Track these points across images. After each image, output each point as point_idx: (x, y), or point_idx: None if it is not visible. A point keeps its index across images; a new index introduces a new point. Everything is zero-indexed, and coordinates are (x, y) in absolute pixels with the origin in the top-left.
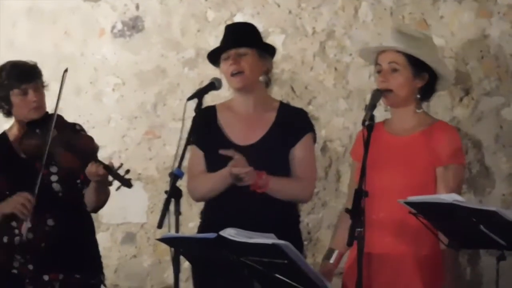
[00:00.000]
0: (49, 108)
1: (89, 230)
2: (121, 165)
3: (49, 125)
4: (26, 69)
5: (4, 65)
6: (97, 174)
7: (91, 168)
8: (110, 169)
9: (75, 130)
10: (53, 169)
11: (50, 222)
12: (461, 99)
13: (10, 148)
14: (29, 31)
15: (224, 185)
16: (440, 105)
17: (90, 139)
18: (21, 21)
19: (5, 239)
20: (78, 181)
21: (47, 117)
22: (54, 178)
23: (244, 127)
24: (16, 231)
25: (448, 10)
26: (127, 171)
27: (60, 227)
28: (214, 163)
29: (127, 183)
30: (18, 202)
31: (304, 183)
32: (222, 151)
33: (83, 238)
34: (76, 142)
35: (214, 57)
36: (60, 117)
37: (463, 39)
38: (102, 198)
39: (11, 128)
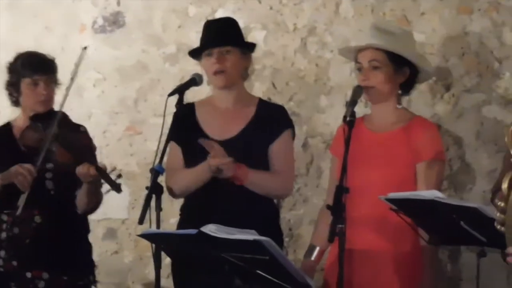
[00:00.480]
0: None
1: (80, 231)
2: (114, 168)
3: (51, 121)
4: (42, 61)
5: (23, 53)
6: (88, 175)
7: (82, 169)
8: (101, 171)
9: (77, 131)
10: (49, 165)
11: (37, 219)
12: (442, 96)
13: (12, 139)
14: (10, 26)
15: (203, 179)
16: (421, 101)
17: (88, 139)
18: (1, 16)
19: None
20: (73, 181)
21: (52, 113)
22: (48, 175)
23: (222, 122)
24: (4, 225)
25: (429, 6)
26: (119, 176)
27: (47, 225)
28: (192, 159)
29: (116, 188)
30: (19, 173)
31: (283, 178)
32: (200, 141)
33: (71, 239)
34: (72, 139)
35: (196, 51)
36: (64, 115)
37: (443, 35)
38: (93, 201)
39: (16, 119)
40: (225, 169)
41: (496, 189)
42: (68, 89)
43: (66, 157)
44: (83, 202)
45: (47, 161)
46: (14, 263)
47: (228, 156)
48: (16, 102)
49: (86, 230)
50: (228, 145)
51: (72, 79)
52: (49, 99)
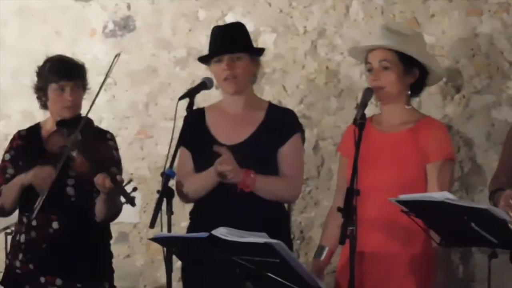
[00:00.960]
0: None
1: (99, 239)
2: (130, 181)
3: (77, 127)
4: (70, 67)
5: (52, 57)
6: (104, 186)
7: (98, 180)
8: (117, 184)
9: (103, 138)
10: (72, 172)
11: (55, 225)
12: (452, 97)
13: (40, 141)
14: (20, 31)
15: (210, 184)
16: (431, 103)
17: (111, 148)
18: (12, 21)
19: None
20: (94, 189)
21: (78, 118)
22: (70, 181)
23: (231, 127)
24: (23, 228)
25: (438, 8)
26: (134, 189)
27: (65, 231)
28: (201, 163)
29: (131, 201)
30: (39, 176)
31: (291, 183)
32: (214, 147)
33: (89, 246)
34: (93, 149)
35: (205, 57)
36: (90, 122)
37: (453, 37)
38: (111, 211)
39: (46, 121)
40: (230, 175)
41: (496, 187)
42: (96, 96)
43: (85, 166)
44: (101, 211)
45: (69, 168)
46: (31, 266)
47: (237, 161)
48: (44, 106)
49: (107, 237)
50: (237, 150)
51: (92, 103)
52: (76, 105)
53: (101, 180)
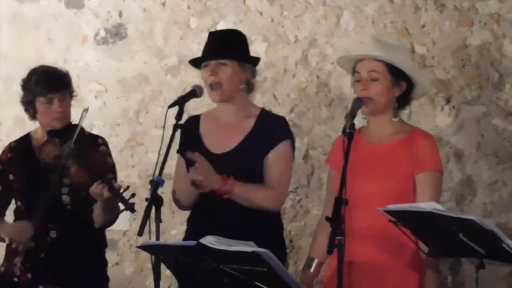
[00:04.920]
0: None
1: (95, 246)
2: (127, 187)
3: (69, 136)
4: (55, 78)
5: (36, 69)
6: (101, 195)
7: (95, 188)
8: (115, 191)
9: (95, 144)
10: (66, 180)
11: (52, 234)
12: (442, 108)
13: (32, 152)
14: (12, 38)
15: (190, 191)
16: (422, 113)
17: (105, 154)
18: (4, 28)
19: (13, 245)
20: (90, 195)
21: (70, 127)
22: (65, 190)
23: (222, 135)
24: None
25: (429, 18)
26: (133, 195)
27: (62, 240)
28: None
29: (130, 207)
30: (16, 232)
31: (273, 192)
32: (188, 154)
33: (87, 253)
34: (88, 157)
35: (196, 62)
36: (81, 129)
37: (444, 47)
38: (110, 216)
39: (36, 131)
40: (205, 183)
41: None
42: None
43: (82, 175)
44: (99, 217)
45: (64, 176)
46: (29, 275)
47: (226, 169)
48: (33, 117)
49: (103, 245)
50: (225, 159)
51: (80, 119)
52: (65, 115)
53: (98, 189)
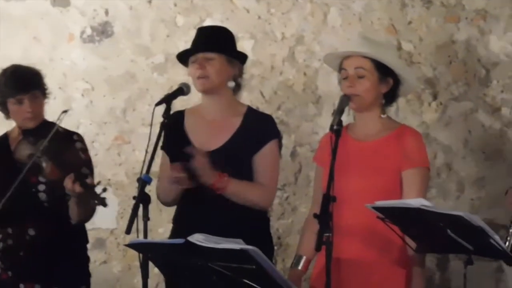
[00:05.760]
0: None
1: (75, 242)
2: (99, 182)
3: (43, 134)
4: (24, 79)
5: (6, 70)
6: (73, 190)
7: (67, 183)
8: (86, 187)
9: (70, 141)
10: (42, 178)
11: (31, 231)
12: (429, 104)
13: (8, 151)
14: None
15: (173, 187)
16: (409, 109)
17: (78, 151)
18: None
19: None
20: (67, 192)
21: (44, 125)
22: (41, 187)
23: (208, 133)
24: (0, 236)
25: (416, 15)
26: (104, 190)
27: (41, 237)
28: None
29: (102, 202)
30: None
31: (265, 190)
32: (187, 149)
33: (66, 250)
34: (62, 154)
35: (184, 58)
36: (56, 128)
37: (431, 44)
38: (85, 212)
39: (13, 130)
40: (204, 176)
41: None
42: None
43: (55, 173)
44: (74, 213)
45: (39, 174)
46: (9, 273)
47: (213, 167)
48: (8, 116)
49: (83, 240)
50: (214, 156)
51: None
52: (36, 115)
53: (70, 184)
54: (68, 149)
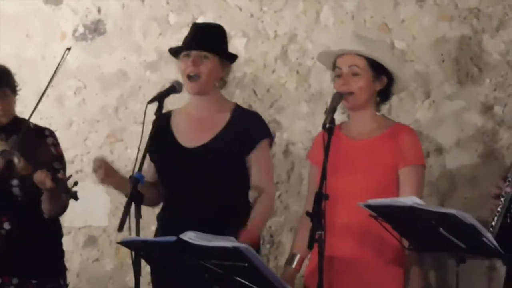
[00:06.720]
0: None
1: (51, 235)
2: (70, 176)
3: (15, 131)
4: None
5: None
6: (43, 184)
7: (38, 177)
8: (56, 180)
9: (42, 136)
10: (15, 174)
11: (6, 225)
12: (422, 102)
13: None
14: None
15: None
16: (402, 108)
17: (50, 147)
18: None
19: None
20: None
21: (15, 121)
22: (15, 182)
23: (194, 129)
24: None
25: (409, 13)
26: (75, 183)
27: (17, 231)
28: (164, 166)
29: (73, 196)
30: None
31: (269, 198)
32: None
33: (41, 243)
34: (34, 149)
35: (176, 52)
36: (27, 124)
37: (424, 42)
38: (57, 206)
39: None
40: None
41: None
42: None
43: (27, 169)
44: (47, 207)
45: (13, 169)
46: None
47: (199, 163)
48: None
49: (58, 234)
50: (198, 152)
51: (33, 110)
52: (6, 112)
53: (41, 177)
54: (39, 145)
